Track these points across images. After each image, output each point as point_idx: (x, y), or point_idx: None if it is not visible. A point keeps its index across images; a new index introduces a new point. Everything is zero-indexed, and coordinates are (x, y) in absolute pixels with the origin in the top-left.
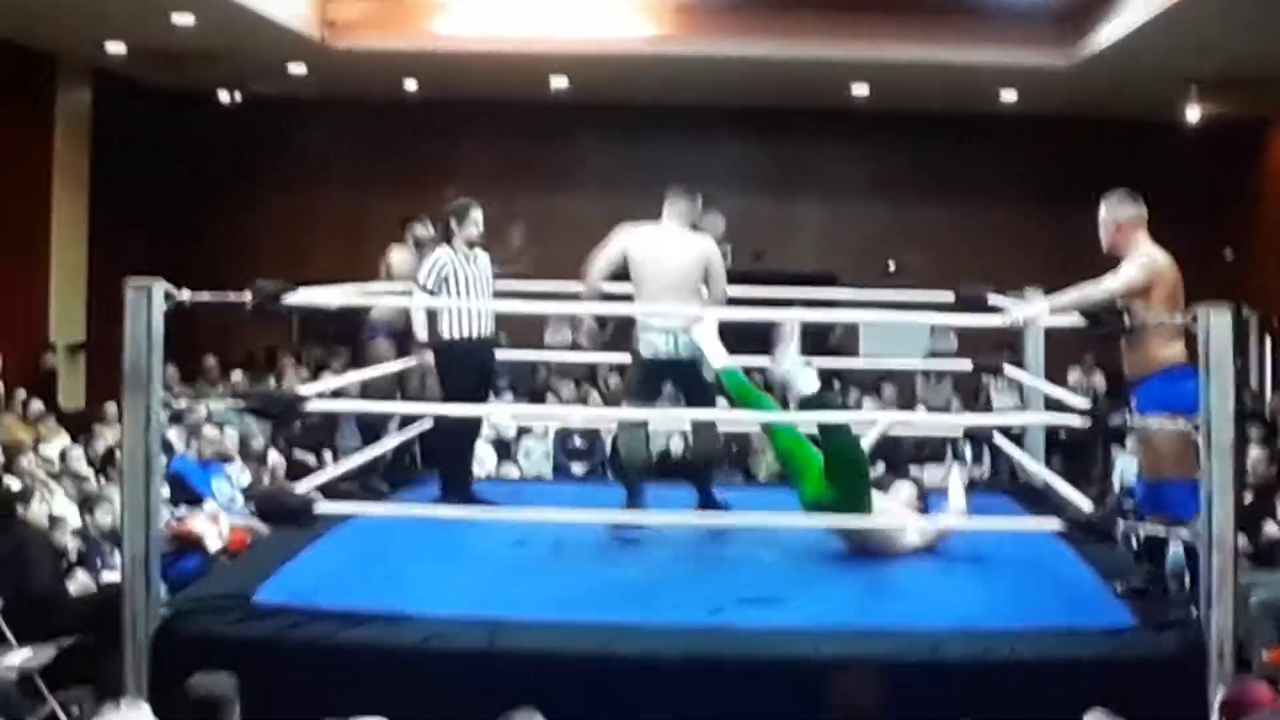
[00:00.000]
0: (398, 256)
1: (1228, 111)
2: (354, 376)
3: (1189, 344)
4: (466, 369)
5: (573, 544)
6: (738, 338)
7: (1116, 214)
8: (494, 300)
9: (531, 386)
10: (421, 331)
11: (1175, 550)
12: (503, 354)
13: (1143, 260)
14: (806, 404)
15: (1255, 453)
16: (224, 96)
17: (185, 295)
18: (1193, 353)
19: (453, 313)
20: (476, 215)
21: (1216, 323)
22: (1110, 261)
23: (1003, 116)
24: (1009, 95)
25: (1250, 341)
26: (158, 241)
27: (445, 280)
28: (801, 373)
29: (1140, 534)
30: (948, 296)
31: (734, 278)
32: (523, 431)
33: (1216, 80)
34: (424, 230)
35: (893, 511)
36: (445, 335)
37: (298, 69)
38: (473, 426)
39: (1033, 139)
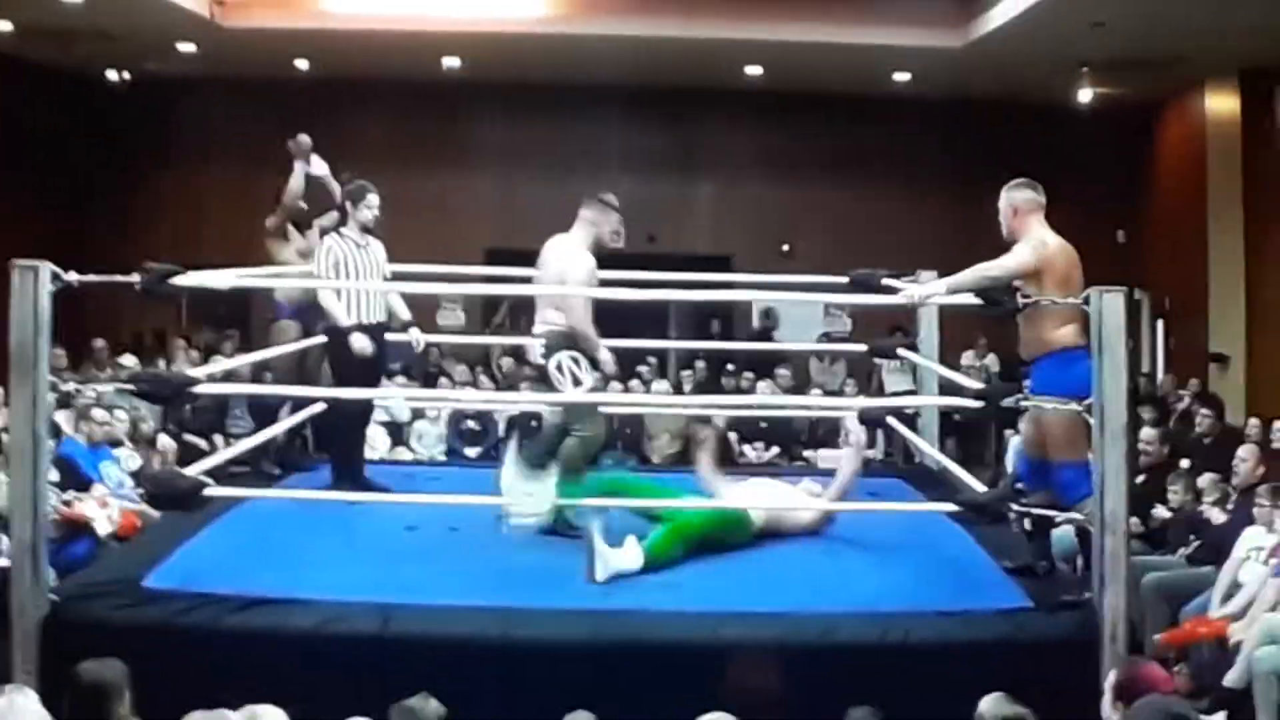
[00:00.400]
0: (270, 221)
1: (1120, 94)
2: (245, 359)
3: (1084, 326)
4: (343, 350)
5: (467, 528)
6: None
7: (1013, 199)
8: (386, 284)
9: (424, 369)
10: (342, 317)
11: (1066, 531)
12: (394, 336)
13: (1034, 242)
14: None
15: (1147, 433)
16: (113, 75)
17: (73, 277)
18: (1087, 335)
19: (345, 298)
20: (373, 199)
21: (1108, 305)
22: (1008, 246)
23: (896, 98)
24: (902, 76)
25: (1142, 324)
26: (46, 222)
27: (337, 266)
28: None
29: (1031, 516)
30: (842, 280)
31: (628, 260)
32: (416, 415)
33: (1108, 62)
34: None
35: (782, 491)
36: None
37: (188, 48)
38: (363, 412)
39: (926, 121)
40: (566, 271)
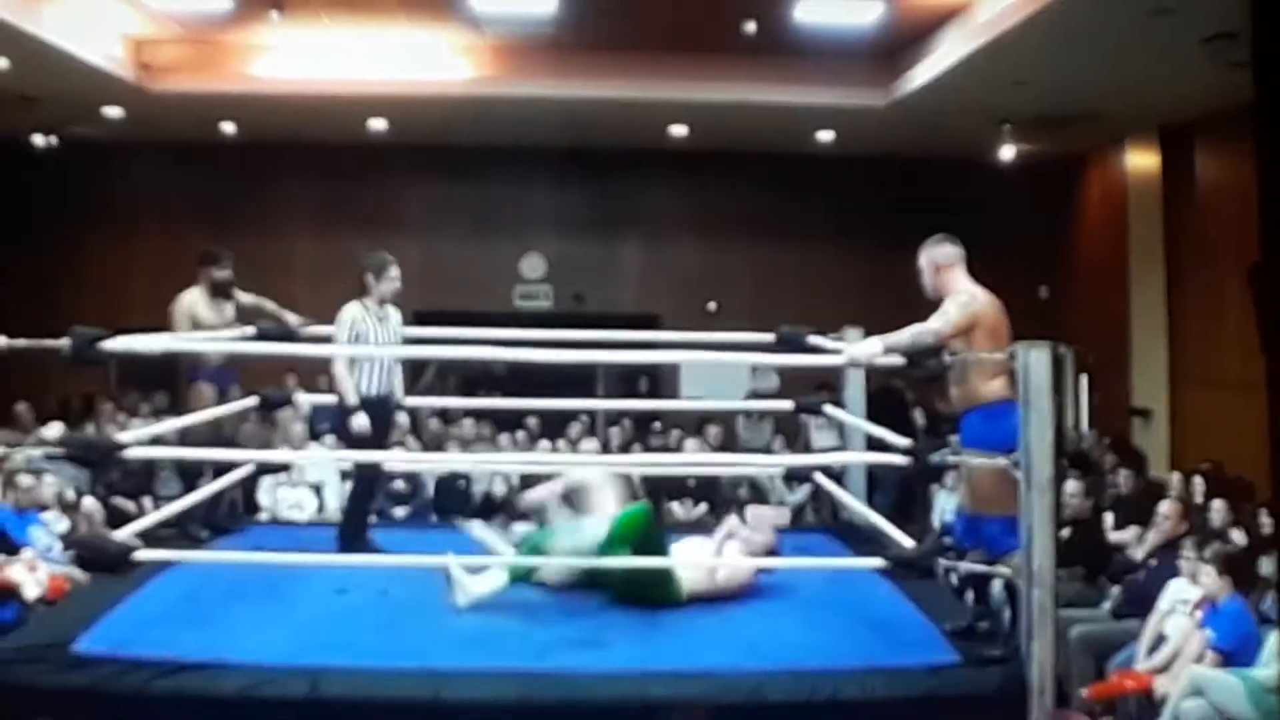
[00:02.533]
0: (189, 299)
1: (1042, 150)
2: (173, 423)
3: (1013, 380)
4: (346, 425)
5: (396, 590)
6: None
7: (934, 256)
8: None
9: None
10: (350, 395)
11: (993, 585)
12: (323, 399)
13: (963, 299)
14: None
15: (1071, 486)
16: (38, 139)
17: (0, 341)
18: (1015, 389)
19: (360, 369)
20: (395, 272)
21: (1035, 360)
22: (931, 302)
23: (820, 156)
24: (826, 135)
25: (1066, 379)
26: None
27: (358, 338)
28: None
29: (960, 571)
30: (768, 337)
31: (555, 320)
32: (345, 475)
33: (1029, 119)
34: (222, 272)
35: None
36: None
37: (114, 112)
38: (371, 479)
39: (850, 179)
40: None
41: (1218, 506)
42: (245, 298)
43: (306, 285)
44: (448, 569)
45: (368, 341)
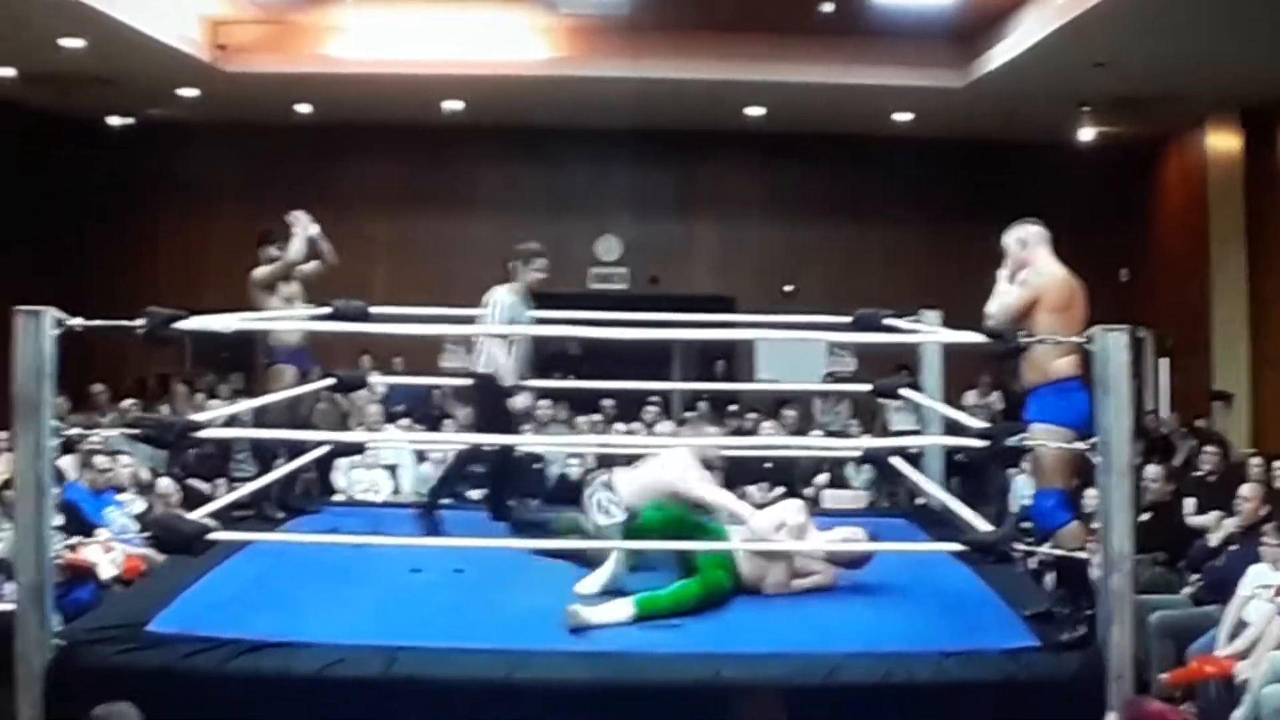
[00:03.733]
0: (256, 277)
1: (1121, 132)
2: (246, 404)
3: (1082, 358)
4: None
5: (471, 570)
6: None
7: (1020, 234)
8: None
9: (426, 411)
10: (509, 375)
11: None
12: (401, 380)
13: (1025, 275)
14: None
15: (1151, 471)
16: (115, 121)
17: (75, 322)
18: (1084, 366)
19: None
20: (542, 263)
21: (1112, 344)
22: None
23: (898, 138)
24: (904, 116)
25: (1146, 362)
26: (48, 269)
27: (512, 322)
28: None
29: (1039, 555)
30: (845, 319)
31: (631, 301)
32: (420, 458)
33: (1108, 101)
34: (278, 250)
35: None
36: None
37: (189, 93)
38: (506, 457)
39: (928, 160)
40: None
41: None
42: (307, 267)
43: (383, 265)
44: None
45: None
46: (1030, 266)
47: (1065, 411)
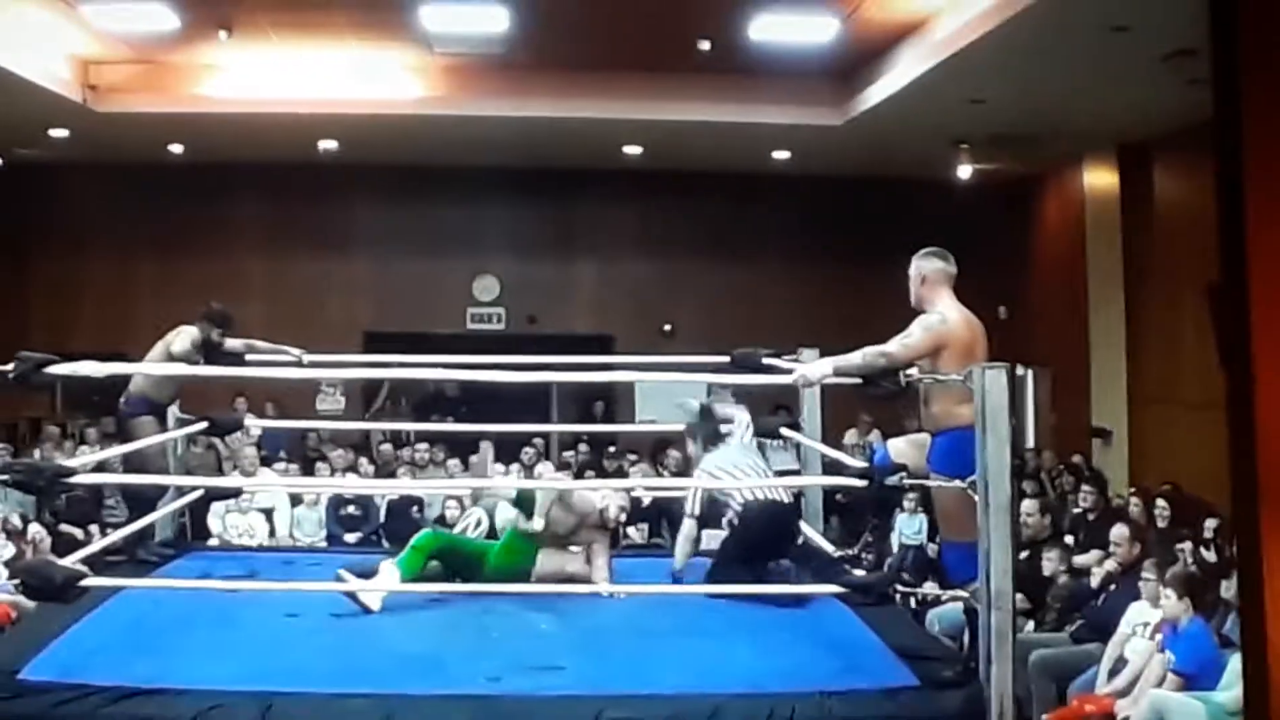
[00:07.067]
0: (180, 336)
1: (999, 169)
2: (120, 449)
3: None
4: None
5: (348, 615)
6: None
7: (922, 268)
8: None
9: (303, 453)
10: None
11: (954, 608)
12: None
13: (930, 320)
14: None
15: (1029, 505)
16: None
17: None
18: None
19: None
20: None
21: (991, 381)
22: (888, 319)
23: (776, 175)
24: (782, 154)
25: (1025, 399)
26: None
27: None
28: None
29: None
30: (723, 359)
31: (509, 341)
32: (295, 500)
33: (986, 137)
34: (219, 337)
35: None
36: None
37: (60, 133)
38: None
39: (806, 197)
40: None
41: (1175, 528)
42: (234, 343)
43: (260, 306)
44: (341, 588)
45: None
46: (933, 307)
47: (964, 460)
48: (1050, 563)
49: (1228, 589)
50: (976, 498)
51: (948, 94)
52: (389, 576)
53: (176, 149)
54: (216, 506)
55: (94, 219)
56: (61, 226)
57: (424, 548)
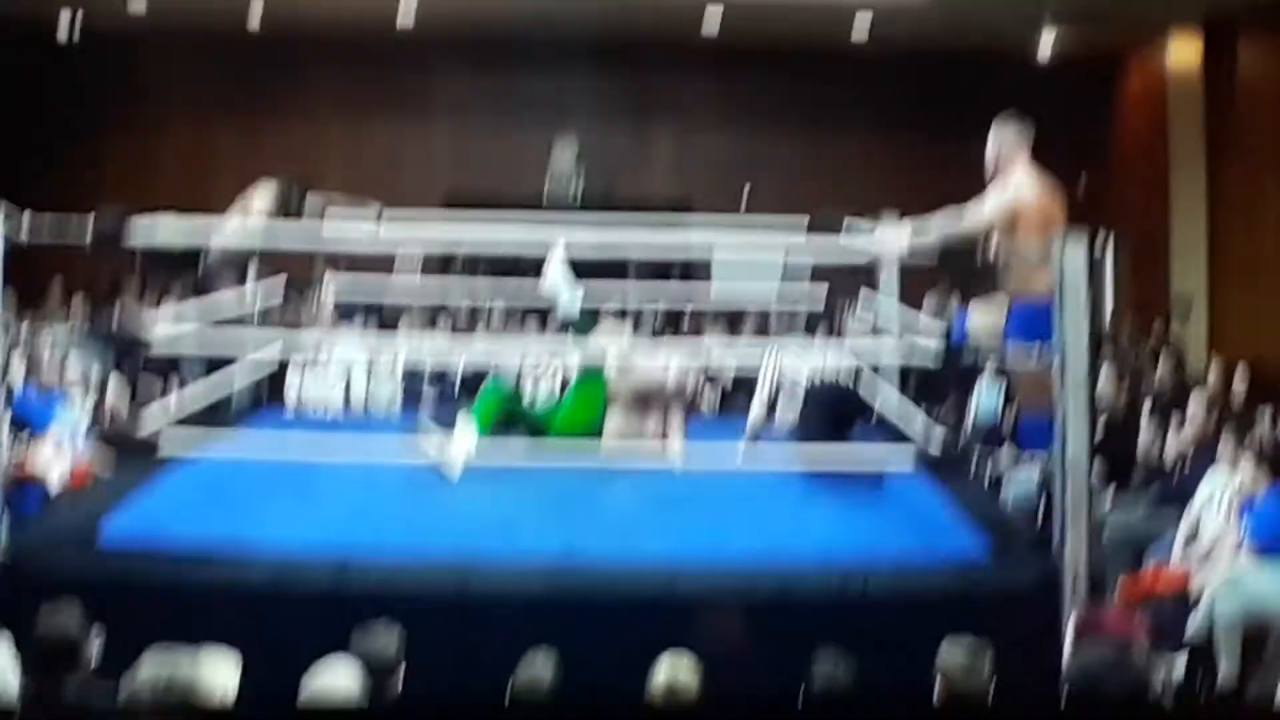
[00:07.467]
0: (262, 197)
1: (1083, 45)
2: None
3: None
4: None
5: (424, 479)
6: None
7: (1001, 134)
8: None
9: (381, 317)
10: None
11: (1028, 478)
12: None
13: (1005, 189)
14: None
15: (1104, 374)
16: (62, 31)
17: (25, 221)
18: None
19: None
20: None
21: (1070, 254)
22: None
23: (858, 50)
24: (863, 28)
25: (1106, 271)
26: None
27: None
28: (565, 292)
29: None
30: (801, 223)
31: (587, 207)
32: (371, 361)
33: (1072, 13)
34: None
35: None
36: None
37: (138, 5)
38: None
39: (887, 71)
40: None
41: (1255, 398)
42: (313, 199)
43: (337, 170)
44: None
45: None
46: (1009, 174)
47: (1041, 328)
48: (1127, 433)
49: None
50: (1054, 369)
51: None
52: (465, 432)
53: (255, 18)
54: (292, 367)
55: (172, 90)
56: (139, 98)
57: (493, 393)
